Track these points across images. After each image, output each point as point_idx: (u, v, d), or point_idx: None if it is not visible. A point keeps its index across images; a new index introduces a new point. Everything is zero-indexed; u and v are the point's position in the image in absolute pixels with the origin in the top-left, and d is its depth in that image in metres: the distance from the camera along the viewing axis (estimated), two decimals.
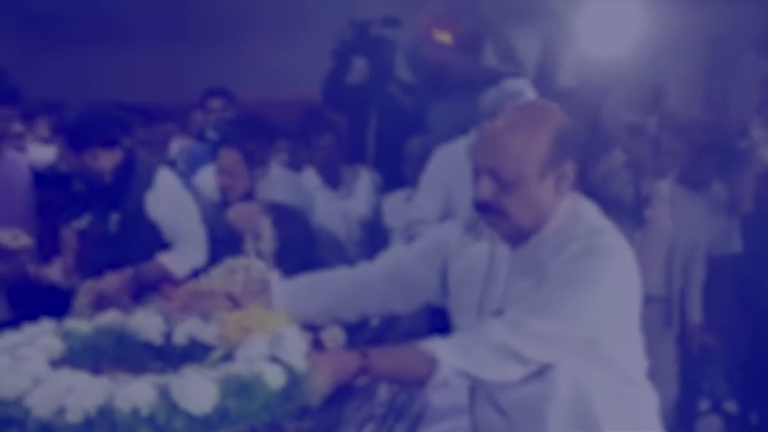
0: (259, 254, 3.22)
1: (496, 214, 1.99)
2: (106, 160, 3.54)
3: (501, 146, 1.95)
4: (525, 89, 3.38)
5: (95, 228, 3.59)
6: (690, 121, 4.71)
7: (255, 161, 3.59)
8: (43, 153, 4.26)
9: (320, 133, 4.50)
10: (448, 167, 3.62)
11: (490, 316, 2.04)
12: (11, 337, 2.08)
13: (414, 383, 1.99)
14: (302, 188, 4.36)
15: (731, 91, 6.33)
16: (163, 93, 5.81)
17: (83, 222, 3.56)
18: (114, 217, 3.57)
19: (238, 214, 3.43)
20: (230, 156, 3.58)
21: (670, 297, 4.30)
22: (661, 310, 4.29)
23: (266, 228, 3.32)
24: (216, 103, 5.17)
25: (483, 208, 2.01)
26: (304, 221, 3.83)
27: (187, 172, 4.63)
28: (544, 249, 2.02)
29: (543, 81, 4.89)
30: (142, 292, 3.44)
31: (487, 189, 1.96)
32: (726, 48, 6.41)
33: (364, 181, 4.63)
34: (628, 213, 3.97)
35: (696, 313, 4.36)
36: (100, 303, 3.20)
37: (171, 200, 3.60)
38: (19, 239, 3.39)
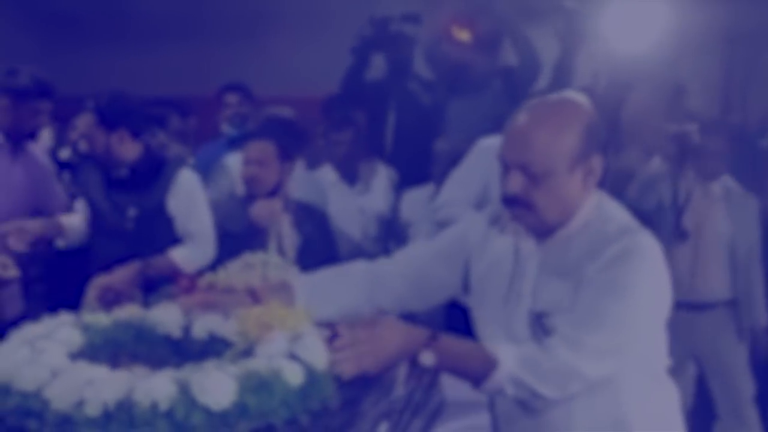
0: (281, 251, 3.23)
1: (524, 208, 2.00)
2: (129, 149, 3.57)
3: (531, 141, 1.95)
4: None
5: (112, 221, 3.60)
6: (709, 119, 4.68)
7: (286, 156, 3.61)
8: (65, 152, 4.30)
9: (340, 128, 4.50)
10: (488, 161, 3.61)
11: (524, 314, 2.06)
12: (31, 329, 2.10)
13: (470, 379, 1.97)
14: (317, 186, 4.36)
15: (750, 90, 6.29)
16: (183, 90, 5.82)
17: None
18: (131, 212, 3.59)
19: (261, 210, 3.44)
20: (263, 148, 3.59)
21: (736, 299, 4.24)
22: (728, 313, 4.25)
23: (288, 225, 3.33)
24: (232, 98, 5.18)
25: (511, 202, 2.01)
26: (324, 219, 3.83)
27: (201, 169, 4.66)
28: (575, 246, 2.03)
29: (561, 80, 4.88)
30: (151, 285, 3.45)
31: (517, 183, 1.96)
32: (745, 47, 6.37)
33: (381, 177, 4.62)
34: (671, 221, 3.97)
35: (762, 317, 4.27)
36: (108, 297, 3.21)
37: (187, 197, 3.62)
38: (8, 270, 3.36)
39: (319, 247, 3.52)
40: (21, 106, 3.75)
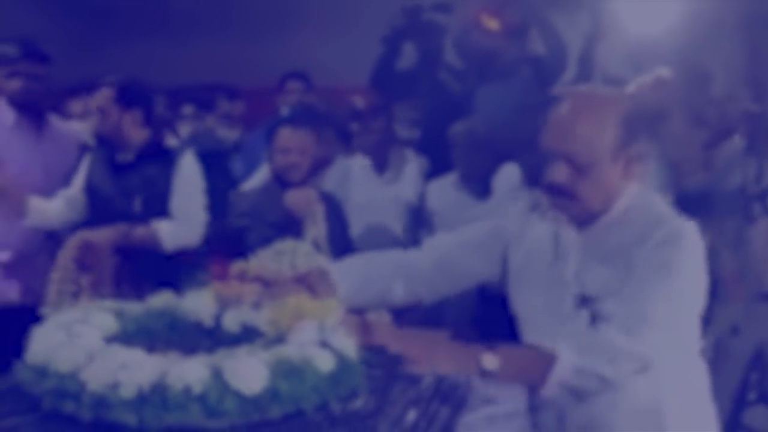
0: (316, 242, 3.25)
1: (567, 197, 2.04)
2: (137, 134, 3.62)
3: (574, 132, 1.99)
4: None
5: (118, 205, 3.63)
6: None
7: (325, 146, 3.63)
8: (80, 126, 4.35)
9: (373, 116, 4.50)
10: None
11: (568, 298, 2.10)
12: (66, 314, 2.13)
13: (533, 379, 2.00)
14: (339, 175, 4.36)
15: None
16: (216, 81, 5.86)
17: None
18: (138, 199, 3.62)
19: (296, 198, 3.43)
20: (302, 136, 3.56)
21: None
22: None
23: (321, 214, 3.34)
24: (295, 86, 5.24)
25: (555, 191, 2.05)
26: (342, 210, 3.84)
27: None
28: (619, 232, 2.07)
29: (586, 68, 4.88)
30: (184, 272, 3.47)
31: (561, 173, 2.01)
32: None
33: (412, 165, 4.63)
34: (753, 201, 3.94)
35: None
36: (86, 260, 3.23)
37: (181, 178, 3.66)
38: None
39: (339, 237, 3.53)
40: (17, 74, 3.78)
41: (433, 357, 1.99)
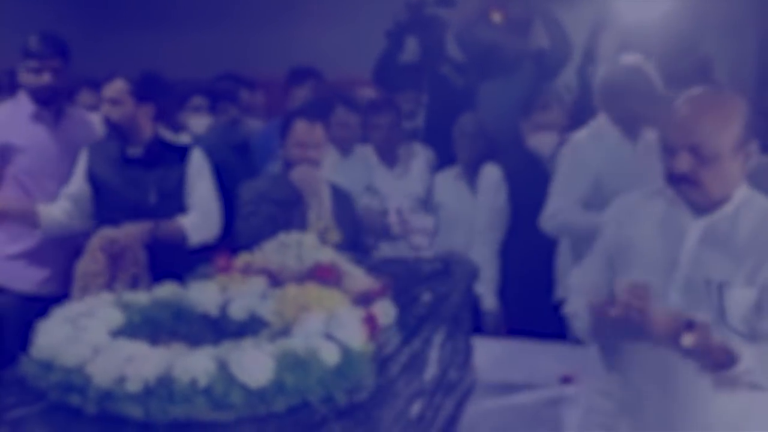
0: (322, 223, 3.25)
1: (691, 185, 2.20)
2: (147, 128, 3.63)
3: (701, 125, 2.17)
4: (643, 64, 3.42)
5: (131, 198, 3.64)
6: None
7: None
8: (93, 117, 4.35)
9: (379, 111, 4.49)
10: (592, 155, 3.64)
11: (680, 280, 2.25)
12: (72, 307, 2.13)
13: (713, 366, 2.15)
14: (353, 172, 4.34)
15: None
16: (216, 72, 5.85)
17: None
18: (153, 192, 3.63)
19: (302, 174, 3.42)
20: (318, 130, 3.55)
21: None
22: None
23: (326, 191, 3.33)
24: (305, 80, 5.21)
25: (678, 180, 2.21)
26: (352, 204, 3.83)
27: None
28: (742, 220, 2.24)
29: (588, 62, 4.90)
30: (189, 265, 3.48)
31: (686, 162, 2.17)
32: None
33: (419, 159, 4.61)
34: None
35: None
36: (113, 249, 3.25)
37: (193, 173, 3.69)
38: None
39: (348, 231, 3.52)
40: (39, 67, 3.81)
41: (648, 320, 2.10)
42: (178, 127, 4.94)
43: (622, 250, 2.36)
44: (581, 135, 3.77)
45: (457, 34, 5.17)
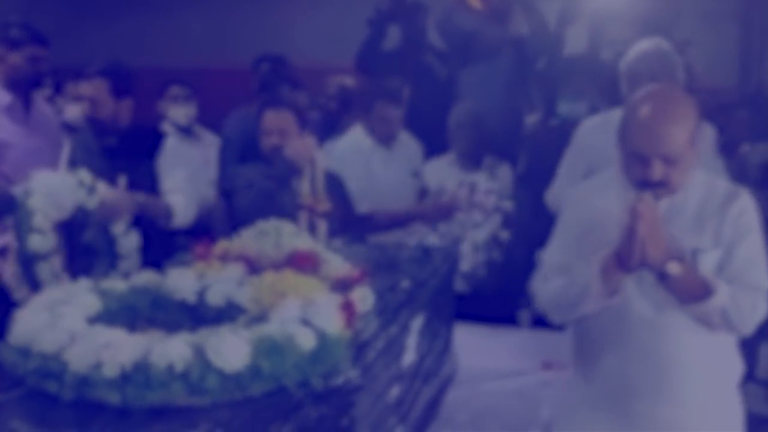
0: (314, 193, 3.25)
1: (663, 187, 2.25)
2: (127, 120, 3.63)
3: (668, 134, 2.22)
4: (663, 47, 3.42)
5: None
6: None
7: (304, 123, 3.62)
8: (74, 109, 4.32)
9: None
10: (591, 141, 3.66)
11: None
12: (50, 294, 2.14)
13: (688, 299, 2.25)
14: (348, 156, 4.32)
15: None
16: (200, 58, 5.84)
17: None
18: (122, 178, 3.64)
19: (295, 148, 3.42)
20: (282, 118, 3.56)
21: None
22: None
23: (320, 162, 3.33)
24: (267, 68, 5.18)
25: (651, 185, 2.24)
26: (343, 186, 3.83)
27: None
28: (695, 199, 2.33)
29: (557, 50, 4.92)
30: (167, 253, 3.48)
31: (659, 171, 2.23)
32: (758, 15, 6.33)
33: (412, 146, 4.57)
34: None
35: None
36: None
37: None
38: None
39: (338, 210, 3.52)
40: (17, 56, 3.79)
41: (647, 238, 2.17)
42: (157, 117, 4.93)
43: (588, 232, 2.38)
44: (595, 119, 3.78)
45: (438, 23, 5.18)
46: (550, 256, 2.49)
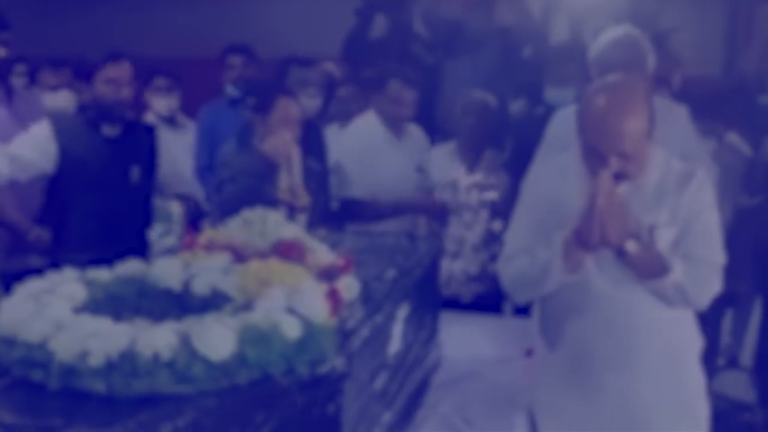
0: (292, 188, 3.26)
1: (622, 178, 2.27)
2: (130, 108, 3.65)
3: (629, 129, 2.24)
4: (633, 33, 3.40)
5: (112, 176, 3.64)
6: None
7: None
8: (60, 98, 4.30)
9: (346, 86, 4.46)
10: (564, 134, 3.66)
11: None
12: (35, 283, 2.14)
13: (646, 275, 2.31)
14: (355, 144, 4.29)
15: (753, 46, 6.26)
16: (181, 48, 5.83)
17: None
18: (135, 170, 3.65)
19: (273, 143, 3.41)
20: (293, 106, 3.54)
21: None
22: None
23: (297, 158, 3.33)
24: (236, 60, 5.14)
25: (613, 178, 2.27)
26: (325, 178, 3.83)
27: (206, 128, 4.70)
28: (654, 180, 2.36)
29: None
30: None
31: (617, 165, 2.24)
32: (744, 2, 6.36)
33: (419, 135, 4.54)
34: None
35: None
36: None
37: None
38: None
39: (318, 203, 3.53)
40: None
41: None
42: (142, 107, 4.91)
43: (549, 213, 2.40)
44: (568, 109, 3.78)
45: (423, 13, 5.19)
46: (512, 237, 2.52)
